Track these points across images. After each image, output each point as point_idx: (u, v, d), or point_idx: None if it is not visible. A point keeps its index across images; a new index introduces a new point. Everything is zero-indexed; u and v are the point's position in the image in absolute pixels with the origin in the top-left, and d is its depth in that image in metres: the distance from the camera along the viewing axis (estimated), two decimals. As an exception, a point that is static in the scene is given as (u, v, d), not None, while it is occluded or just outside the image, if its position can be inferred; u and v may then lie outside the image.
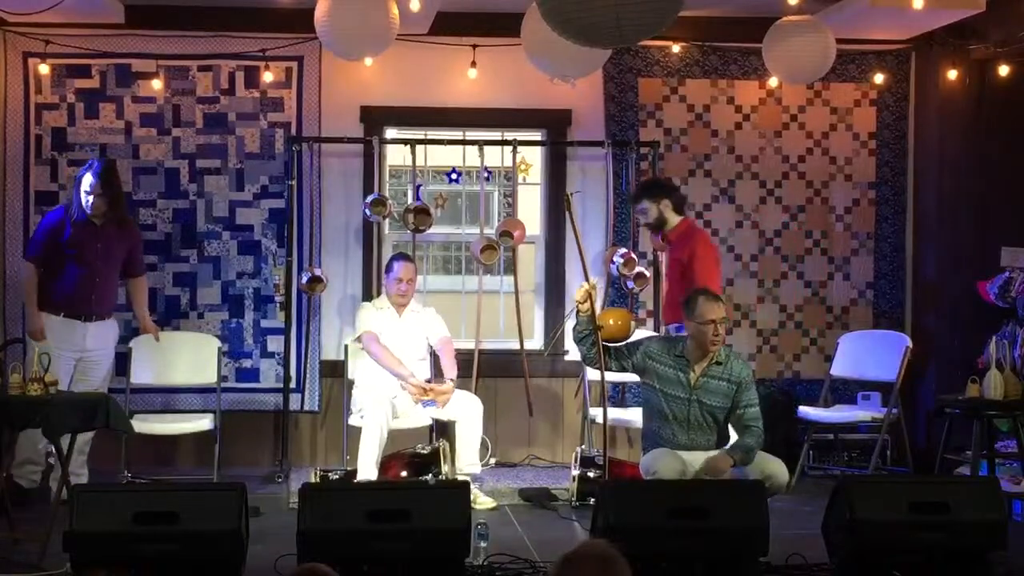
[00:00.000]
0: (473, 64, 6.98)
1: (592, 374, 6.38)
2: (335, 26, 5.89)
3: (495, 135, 7.03)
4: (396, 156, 7.47)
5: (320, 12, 5.90)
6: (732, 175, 7.28)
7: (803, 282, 7.35)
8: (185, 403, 6.86)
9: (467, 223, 7.53)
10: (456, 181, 7.46)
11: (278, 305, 6.99)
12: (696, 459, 5.15)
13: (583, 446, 6.51)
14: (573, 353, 6.27)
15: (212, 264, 6.99)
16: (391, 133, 7.15)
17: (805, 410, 6.83)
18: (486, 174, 7.09)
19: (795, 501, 5.97)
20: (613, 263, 6.76)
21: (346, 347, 6.84)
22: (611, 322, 5.47)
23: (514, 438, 7.12)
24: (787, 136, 7.31)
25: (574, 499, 6.08)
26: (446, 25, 6.74)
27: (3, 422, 5.20)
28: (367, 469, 5.93)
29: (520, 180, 7.23)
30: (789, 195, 7.32)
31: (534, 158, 7.35)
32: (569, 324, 5.97)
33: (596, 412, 6.30)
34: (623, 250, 6.76)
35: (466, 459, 6.15)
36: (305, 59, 6.98)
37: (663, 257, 6.68)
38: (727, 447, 5.20)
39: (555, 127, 7.21)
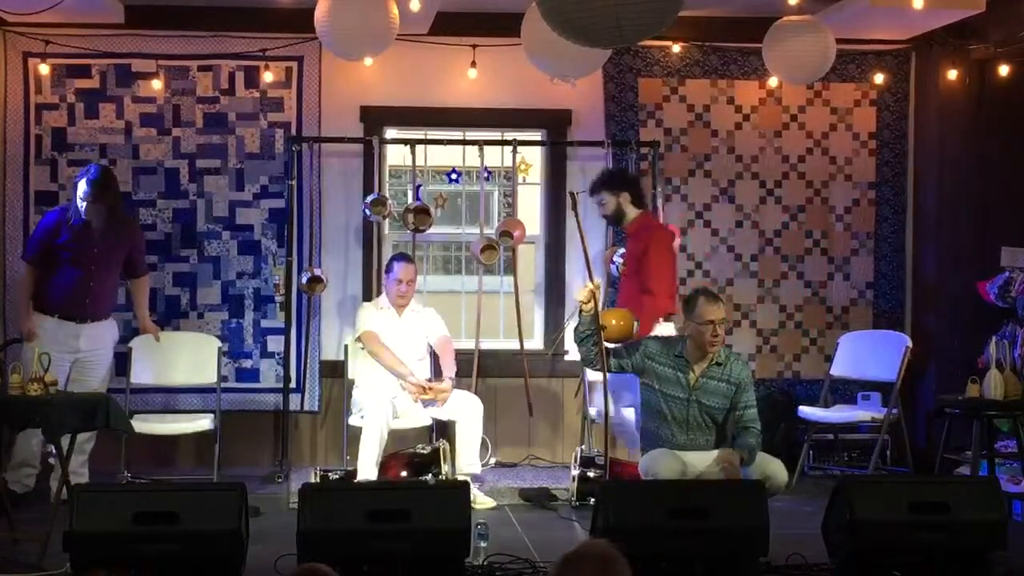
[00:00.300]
0: (473, 64, 6.98)
1: (592, 375, 6.37)
2: (335, 26, 5.89)
3: (495, 135, 7.03)
4: (396, 156, 7.47)
5: (320, 12, 5.90)
6: (732, 175, 7.28)
7: (803, 282, 7.34)
8: (185, 403, 6.86)
9: (467, 223, 7.53)
10: (456, 181, 7.46)
11: (278, 305, 6.99)
12: (695, 459, 5.15)
13: (583, 446, 6.51)
14: (573, 353, 6.26)
15: (212, 264, 6.99)
16: (391, 133, 7.15)
17: (805, 410, 6.83)
18: (486, 174, 7.09)
19: (795, 501, 5.97)
20: (613, 263, 6.75)
21: (346, 347, 6.83)
22: (613, 322, 5.49)
23: (514, 438, 7.12)
24: (787, 136, 7.31)
25: (574, 499, 6.08)
26: (446, 25, 6.74)
27: (3, 422, 5.20)
28: (367, 469, 5.94)
29: (520, 180, 7.23)
30: (789, 195, 7.32)
31: (534, 158, 7.35)
32: (571, 325, 5.97)
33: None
34: (623, 250, 6.75)
35: (466, 459, 6.15)
36: (305, 59, 6.98)
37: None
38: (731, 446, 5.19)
39: (555, 127, 7.21)
